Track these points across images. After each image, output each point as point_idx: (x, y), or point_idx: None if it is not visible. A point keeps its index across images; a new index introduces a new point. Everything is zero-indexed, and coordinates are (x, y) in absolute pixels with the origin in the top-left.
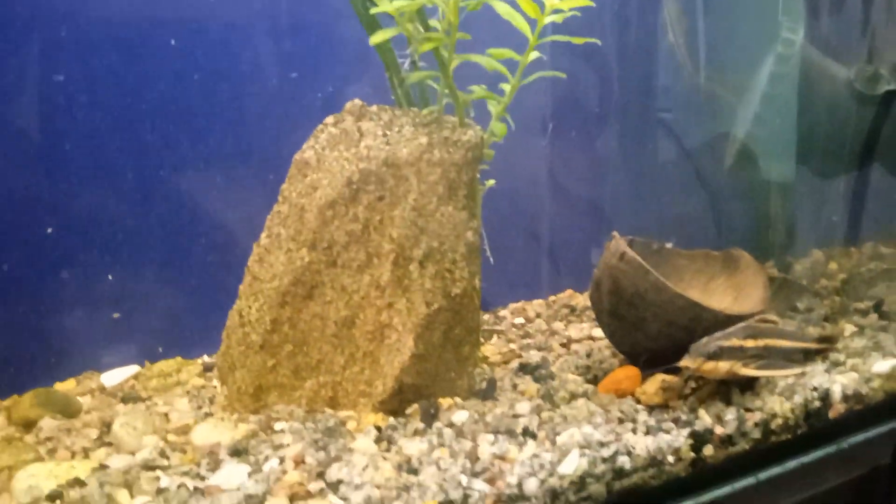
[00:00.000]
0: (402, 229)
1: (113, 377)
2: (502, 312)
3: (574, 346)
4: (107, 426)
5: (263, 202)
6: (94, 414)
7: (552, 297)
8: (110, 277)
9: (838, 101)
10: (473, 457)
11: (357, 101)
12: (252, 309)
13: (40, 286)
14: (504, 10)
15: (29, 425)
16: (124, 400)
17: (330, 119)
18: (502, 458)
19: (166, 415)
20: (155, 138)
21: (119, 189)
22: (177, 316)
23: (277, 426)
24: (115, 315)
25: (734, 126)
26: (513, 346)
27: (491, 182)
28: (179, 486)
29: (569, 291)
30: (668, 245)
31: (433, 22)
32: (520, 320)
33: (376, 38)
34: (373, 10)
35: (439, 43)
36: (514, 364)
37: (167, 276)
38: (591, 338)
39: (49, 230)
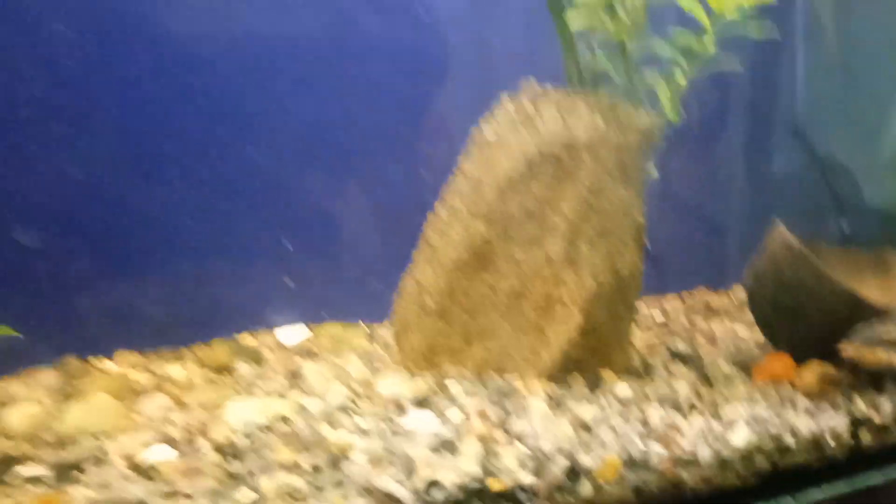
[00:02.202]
0: (576, 207)
1: (287, 334)
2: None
3: (719, 342)
4: (292, 375)
5: (426, 175)
6: (278, 364)
7: (685, 293)
8: (285, 244)
9: None
10: (644, 423)
11: (533, 82)
12: (428, 275)
13: (221, 247)
14: (686, 2)
15: (222, 369)
16: (301, 354)
17: (507, 98)
18: (672, 426)
19: (344, 368)
20: (330, 103)
21: (295, 159)
22: (339, 283)
23: (449, 384)
24: (287, 280)
25: (882, 138)
26: (654, 335)
27: (654, 171)
28: (373, 425)
29: (701, 288)
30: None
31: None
32: (656, 312)
33: (572, 24)
34: None
35: (624, 30)
36: (661, 350)
37: (331, 244)
38: (737, 335)
39: (233, 200)
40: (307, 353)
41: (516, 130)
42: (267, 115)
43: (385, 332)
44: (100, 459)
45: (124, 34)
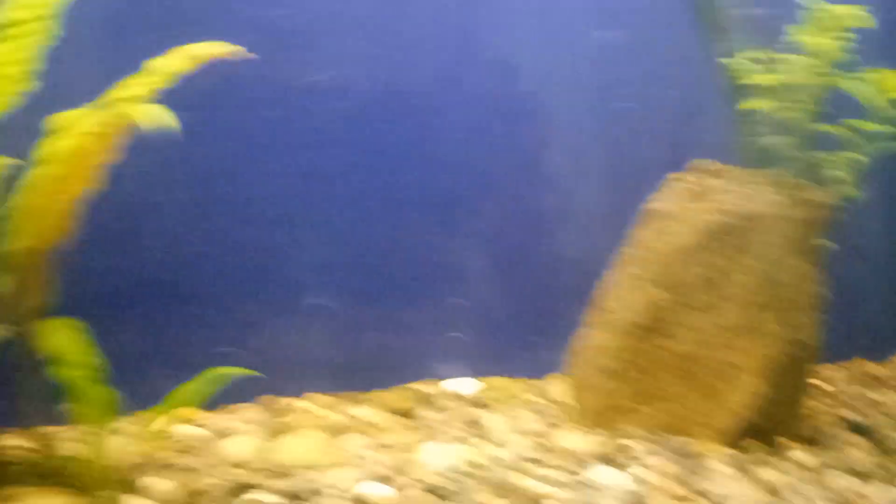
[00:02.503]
0: (753, 277)
1: (458, 385)
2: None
3: (891, 411)
4: (472, 423)
5: (596, 240)
6: (453, 412)
7: (843, 363)
8: (454, 299)
9: None
10: (830, 490)
11: (701, 160)
12: (603, 337)
13: (397, 299)
14: (862, 91)
15: (406, 414)
16: (475, 405)
17: (675, 176)
18: (859, 494)
19: (520, 420)
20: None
21: (475, 221)
22: (505, 338)
23: (626, 442)
24: (455, 334)
25: None
26: (824, 404)
27: (832, 244)
28: (562, 477)
29: (858, 359)
30: None
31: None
32: (820, 381)
33: (749, 105)
34: (746, 81)
35: (800, 111)
36: (834, 419)
37: (499, 302)
38: None
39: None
40: (480, 403)
41: (691, 203)
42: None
43: (548, 386)
44: (313, 490)
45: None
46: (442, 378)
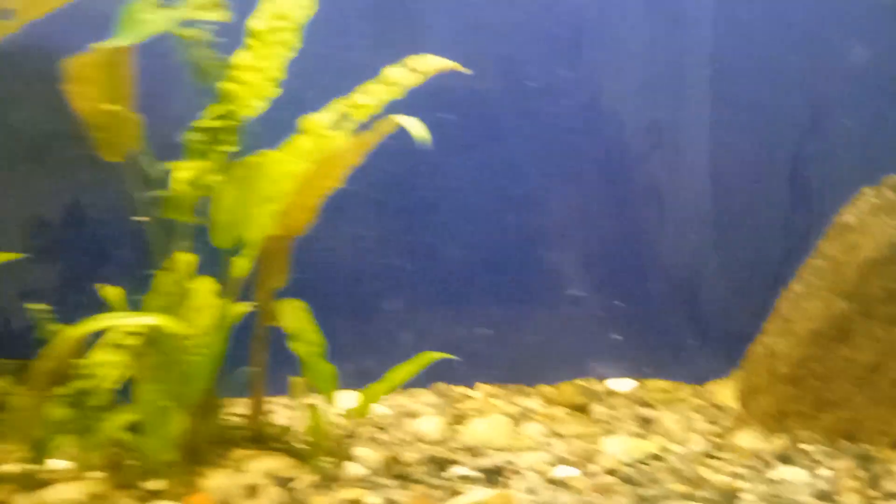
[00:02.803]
0: None
1: (619, 385)
2: None
3: None
4: (643, 420)
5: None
6: (622, 410)
7: None
8: (617, 303)
9: None
10: None
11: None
12: (781, 344)
13: (560, 301)
14: None
15: (578, 408)
16: (642, 404)
17: (869, 190)
18: None
19: (689, 420)
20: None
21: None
22: (665, 342)
23: (805, 446)
24: (616, 336)
25: None
26: None
27: None
28: (749, 473)
29: None
30: None
31: None
32: None
33: None
34: None
35: None
36: None
37: (664, 305)
38: None
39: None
40: (646, 403)
41: (881, 217)
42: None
43: (710, 391)
44: (512, 470)
45: None
46: (601, 378)
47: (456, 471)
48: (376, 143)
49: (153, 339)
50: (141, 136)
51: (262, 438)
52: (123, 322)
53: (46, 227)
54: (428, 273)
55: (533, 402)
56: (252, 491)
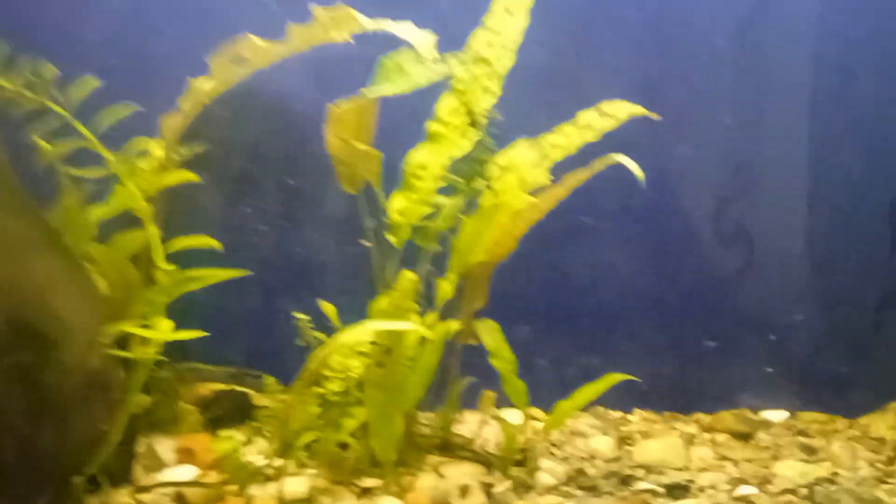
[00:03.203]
0: None
1: (774, 416)
2: None
3: None
4: (804, 448)
5: None
6: (784, 438)
7: None
8: (772, 337)
9: None
10: None
11: None
12: None
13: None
14: None
15: (740, 435)
16: (802, 434)
17: None
18: None
19: (851, 448)
20: None
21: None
22: (820, 374)
23: None
24: (769, 369)
25: None
26: None
27: None
28: None
29: None
30: None
31: None
32: None
33: None
34: None
35: None
36: None
37: (815, 337)
38: None
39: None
40: (801, 432)
41: None
42: None
43: (866, 424)
44: (696, 487)
45: None
46: (754, 409)
47: (640, 485)
48: (585, 180)
49: (385, 349)
50: (380, 170)
51: (449, 447)
52: (384, 328)
53: (282, 249)
54: (596, 303)
55: (691, 429)
56: (464, 491)
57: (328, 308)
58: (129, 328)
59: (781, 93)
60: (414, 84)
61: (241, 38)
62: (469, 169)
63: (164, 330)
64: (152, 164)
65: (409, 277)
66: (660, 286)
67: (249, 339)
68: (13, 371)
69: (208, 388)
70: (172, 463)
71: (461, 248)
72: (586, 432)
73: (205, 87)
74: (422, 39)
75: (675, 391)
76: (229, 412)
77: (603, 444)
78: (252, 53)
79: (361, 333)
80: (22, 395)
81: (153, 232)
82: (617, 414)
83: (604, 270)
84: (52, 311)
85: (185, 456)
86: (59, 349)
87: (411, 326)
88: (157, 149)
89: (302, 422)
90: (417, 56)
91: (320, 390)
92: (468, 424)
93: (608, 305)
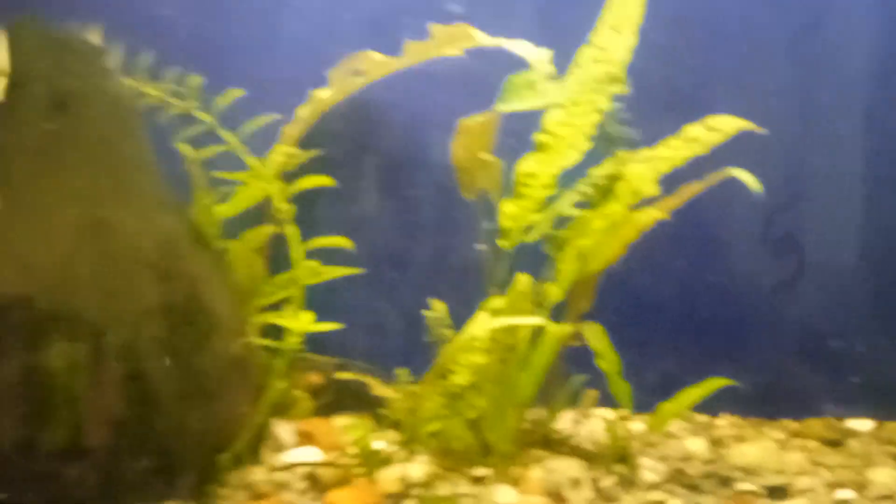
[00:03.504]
0: None
1: (858, 425)
2: None
3: None
4: (893, 455)
5: None
6: (873, 447)
7: None
8: (859, 349)
9: None
10: None
11: None
12: None
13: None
14: None
15: (830, 442)
16: (887, 443)
17: None
18: None
19: None
20: None
21: None
22: None
23: None
24: (854, 379)
25: None
26: None
27: None
28: None
29: None
30: None
31: None
32: None
33: None
34: None
35: None
36: None
37: None
38: None
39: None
40: (891, 441)
41: None
42: None
43: None
44: (796, 490)
45: None
46: (838, 417)
47: (741, 486)
48: (696, 194)
49: (506, 346)
50: (499, 178)
51: (549, 443)
52: (514, 323)
53: (402, 248)
54: (682, 309)
55: (780, 434)
56: (575, 483)
57: (439, 306)
58: (275, 319)
59: None
60: (545, 102)
61: (361, 53)
62: (597, 181)
63: (306, 321)
64: (277, 168)
65: (524, 280)
66: (745, 293)
67: (360, 333)
68: (169, 356)
69: (319, 377)
70: (292, 445)
71: (582, 254)
72: (678, 434)
73: (323, 96)
74: (537, 56)
75: (760, 397)
76: (339, 400)
77: (697, 445)
78: (369, 66)
79: (489, 328)
80: (176, 379)
81: (292, 231)
82: (703, 418)
83: (693, 275)
84: (203, 301)
85: (305, 439)
86: (208, 337)
87: (542, 322)
88: (279, 154)
89: (430, 411)
90: (546, 75)
91: (446, 383)
92: (562, 422)
93: (695, 310)
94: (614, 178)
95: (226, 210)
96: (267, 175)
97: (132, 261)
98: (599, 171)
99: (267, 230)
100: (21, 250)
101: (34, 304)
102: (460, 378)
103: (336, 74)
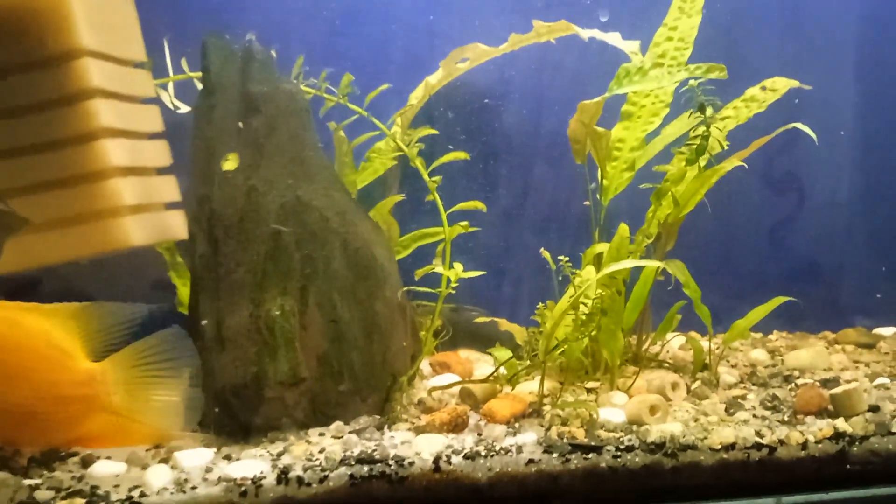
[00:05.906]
0: None
1: (885, 331)
2: None
3: None
4: None
5: None
6: None
7: None
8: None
9: None
10: None
11: None
12: None
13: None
14: None
15: (864, 345)
16: None
17: None
18: None
19: None
20: None
21: None
22: None
23: None
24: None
25: None
26: None
27: None
28: None
29: None
30: None
31: None
32: None
33: None
34: None
35: None
36: None
37: None
38: None
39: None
40: None
41: None
42: None
43: None
44: (844, 380)
45: None
46: (868, 327)
47: (801, 381)
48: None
49: (620, 281)
50: (608, 146)
51: (640, 360)
52: (629, 265)
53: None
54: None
55: (822, 343)
56: (675, 386)
57: (546, 255)
58: (435, 269)
59: None
60: (656, 84)
61: (469, 45)
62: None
63: (459, 270)
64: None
65: (624, 228)
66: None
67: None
68: (356, 302)
69: (438, 319)
70: (430, 374)
71: (678, 202)
72: (741, 349)
73: (432, 80)
74: (628, 46)
75: (803, 314)
76: (455, 338)
77: (759, 355)
78: (473, 53)
79: (614, 268)
80: (361, 320)
81: (437, 198)
82: (758, 335)
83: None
84: (377, 258)
85: (443, 368)
86: (381, 287)
87: (653, 263)
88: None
89: (563, 335)
90: (656, 63)
91: (573, 314)
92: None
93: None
94: (703, 138)
95: (361, 179)
96: (388, 151)
97: (323, 230)
98: (692, 132)
99: (396, 198)
100: None
101: (254, 268)
102: (588, 308)
103: (445, 62)
